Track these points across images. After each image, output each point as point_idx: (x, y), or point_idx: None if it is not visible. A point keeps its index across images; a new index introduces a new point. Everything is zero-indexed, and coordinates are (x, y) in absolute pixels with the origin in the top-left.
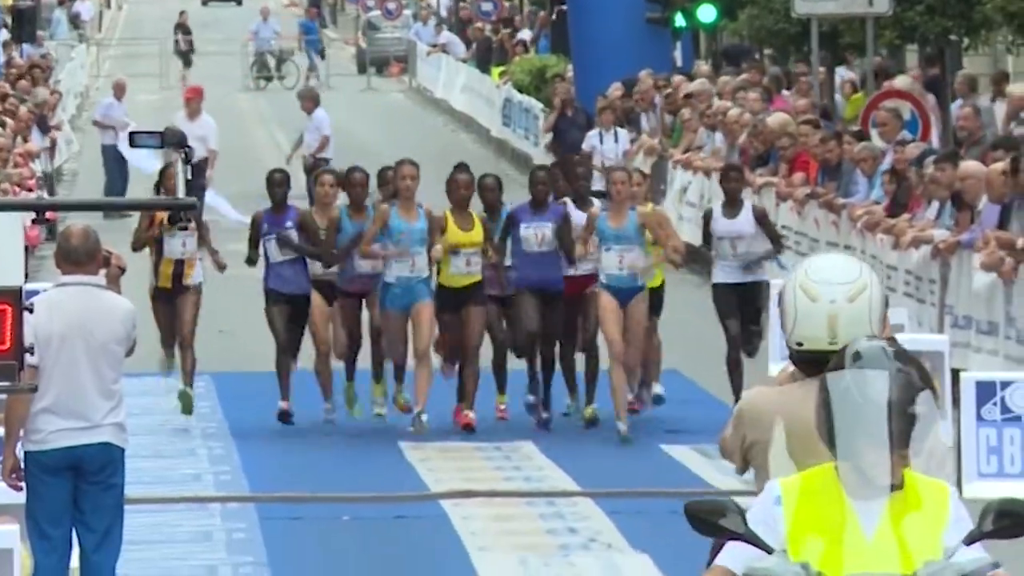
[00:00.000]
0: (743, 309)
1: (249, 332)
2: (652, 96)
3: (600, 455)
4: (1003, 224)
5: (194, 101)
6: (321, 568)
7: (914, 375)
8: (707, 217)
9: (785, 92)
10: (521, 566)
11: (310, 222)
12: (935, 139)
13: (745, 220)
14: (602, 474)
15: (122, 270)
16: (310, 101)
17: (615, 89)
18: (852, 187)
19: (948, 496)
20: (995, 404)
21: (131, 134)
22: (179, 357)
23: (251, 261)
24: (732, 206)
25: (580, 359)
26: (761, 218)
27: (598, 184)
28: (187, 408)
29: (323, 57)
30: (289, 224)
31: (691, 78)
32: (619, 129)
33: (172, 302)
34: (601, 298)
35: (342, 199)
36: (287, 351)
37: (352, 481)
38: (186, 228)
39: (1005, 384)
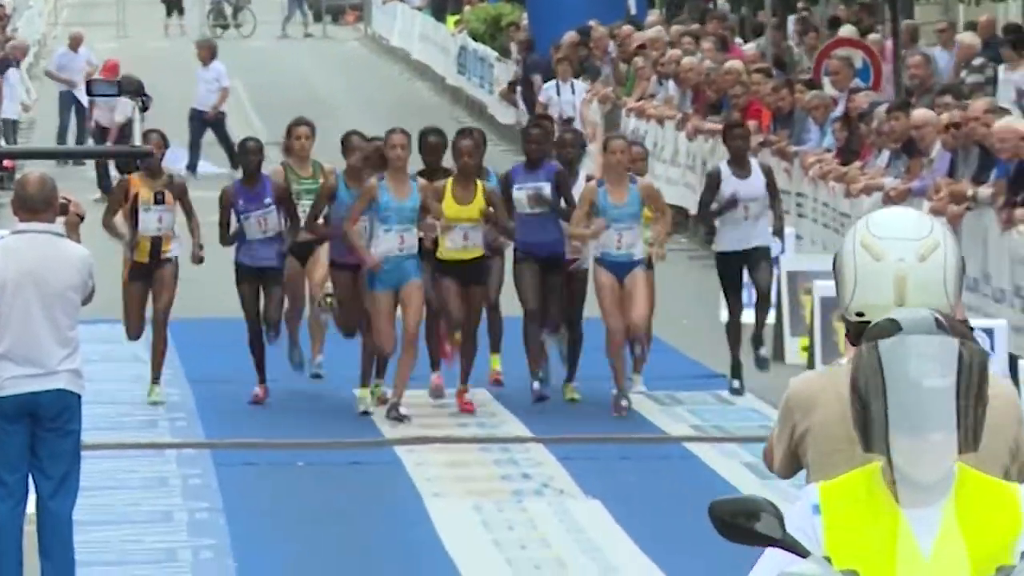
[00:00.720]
0: (750, 276)
1: (207, 277)
2: (606, 44)
3: (553, 402)
4: (953, 172)
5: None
6: (276, 514)
7: (983, 351)
8: (714, 179)
9: (739, 40)
10: (475, 512)
11: (287, 193)
12: (887, 87)
13: (757, 180)
14: (555, 421)
15: (80, 217)
16: (207, 51)
17: (570, 38)
18: (804, 135)
19: (1020, 500)
20: None
21: (88, 82)
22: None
23: (227, 242)
24: (741, 166)
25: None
26: (769, 176)
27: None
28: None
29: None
30: (268, 201)
31: (643, 28)
32: (576, 81)
33: (148, 276)
34: (597, 275)
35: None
36: (256, 330)
37: (307, 428)
38: (163, 203)
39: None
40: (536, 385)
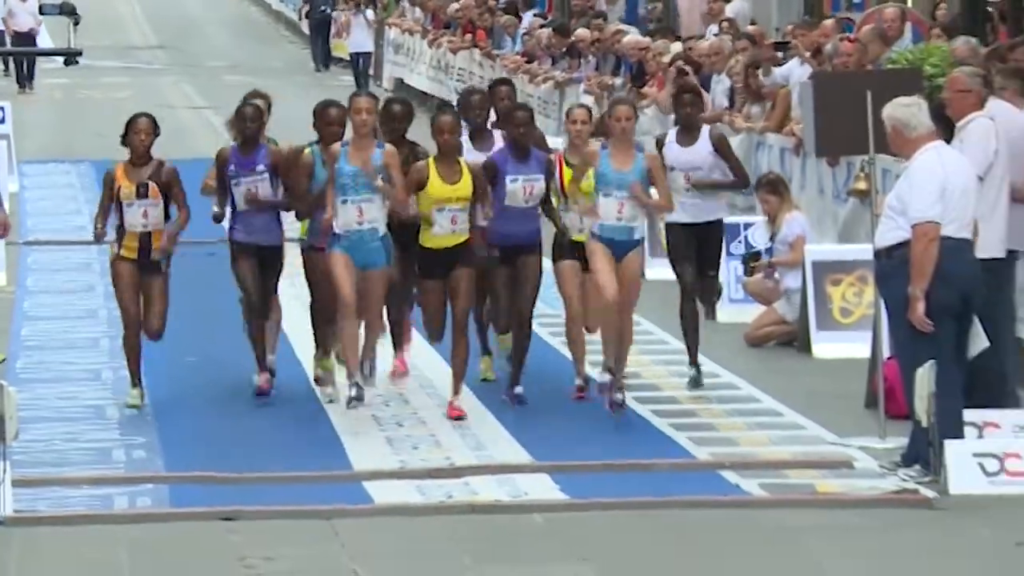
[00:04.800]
0: (700, 253)
1: None
2: None
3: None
4: (599, 68)
5: None
6: (205, 444)
7: None
8: (658, 145)
9: None
10: (388, 446)
11: (289, 162)
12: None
13: (702, 149)
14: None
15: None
16: None
17: None
18: (502, 43)
19: None
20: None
21: (40, 5)
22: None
23: (217, 219)
24: (687, 133)
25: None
26: (719, 145)
27: None
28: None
29: None
30: (261, 168)
31: None
32: (368, 11)
33: (136, 274)
34: (593, 245)
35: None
36: (258, 311)
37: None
38: (147, 196)
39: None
40: (519, 389)
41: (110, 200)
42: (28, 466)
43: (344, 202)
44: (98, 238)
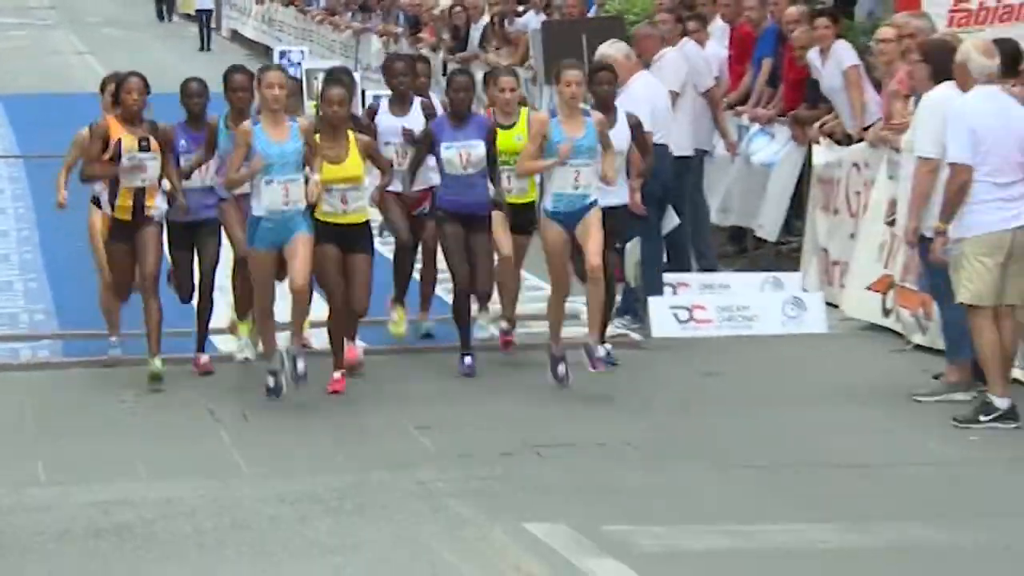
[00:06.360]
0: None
1: None
2: None
3: None
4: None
5: None
6: (92, 308)
7: None
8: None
9: None
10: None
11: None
12: None
13: (621, 131)
14: None
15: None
16: None
17: None
18: (311, 1)
19: None
20: None
21: None
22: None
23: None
24: (605, 113)
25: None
26: (636, 128)
27: None
28: (154, 382)
29: None
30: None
31: None
32: None
33: (131, 238)
34: (546, 233)
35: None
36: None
37: None
38: (148, 150)
39: None
40: (468, 361)
41: (102, 152)
42: None
43: (269, 182)
44: (90, 179)
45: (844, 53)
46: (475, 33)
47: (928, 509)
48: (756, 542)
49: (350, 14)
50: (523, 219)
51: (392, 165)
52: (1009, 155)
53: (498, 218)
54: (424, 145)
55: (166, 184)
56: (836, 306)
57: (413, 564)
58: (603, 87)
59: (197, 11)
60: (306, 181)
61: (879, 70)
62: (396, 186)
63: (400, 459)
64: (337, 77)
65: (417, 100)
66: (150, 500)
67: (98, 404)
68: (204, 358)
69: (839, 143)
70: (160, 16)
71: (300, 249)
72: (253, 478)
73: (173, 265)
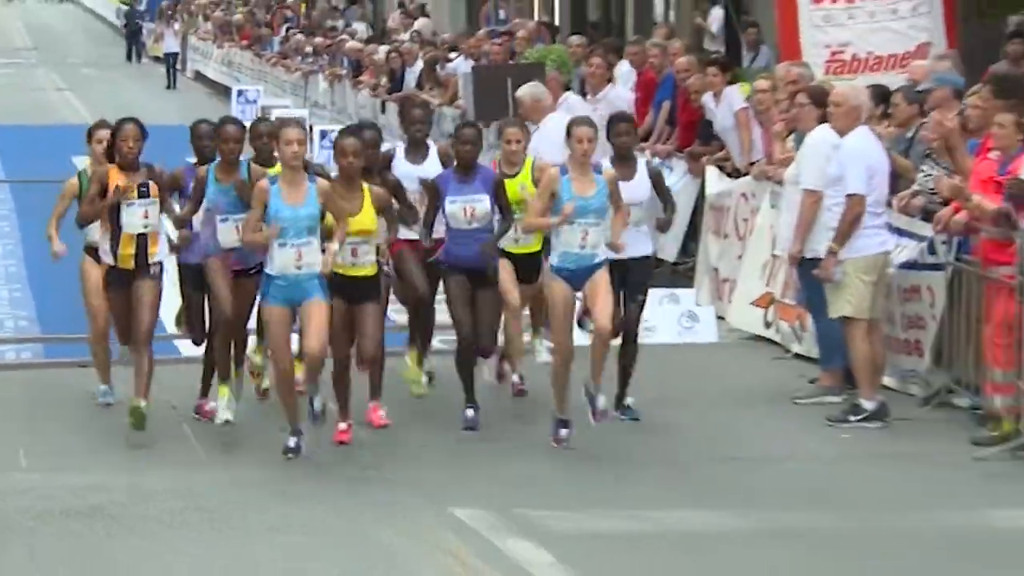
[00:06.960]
0: (627, 285)
1: None
2: None
3: None
4: None
5: None
6: (71, 314)
7: None
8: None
9: None
10: None
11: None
12: None
13: (641, 183)
14: None
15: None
16: None
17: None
18: (266, 47)
19: None
20: None
21: None
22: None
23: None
24: (625, 165)
25: None
26: (657, 180)
27: None
28: (138, 424)
29: None
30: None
31: None
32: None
33: (130, 286)
34: (552, 290)
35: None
36: (200, 330)
37: None
38: (148, 195)
39: None
40: (470, 413)
41: (101, 197)
42: None
43: (282, 245)
44: (86, 221)
45: (735, 97)
46: (410, 76)
47: (810, 498)
48: (656, 526)
49: (300, 58)
50: (530, 269)
51: (412, 211)
52: (884, 188)
53: (505, 269)
54: (430, 199)
55: (172, 232)
56: (724, 319)
57: (354, 544)
58: (621, 138)
59: (165, 54)
60: (323, 250)
61: (764, 113)
62: (409, 232)
63: (344, 451)
64: (354, 129)
65: (434, 147)
66: (121, 485)
67: (75, 400)
68: (210, 405)
69: (730, 175)
70: (128, 58)
71: (315, 313)
72: (212, 466)
73: (185, 305)
